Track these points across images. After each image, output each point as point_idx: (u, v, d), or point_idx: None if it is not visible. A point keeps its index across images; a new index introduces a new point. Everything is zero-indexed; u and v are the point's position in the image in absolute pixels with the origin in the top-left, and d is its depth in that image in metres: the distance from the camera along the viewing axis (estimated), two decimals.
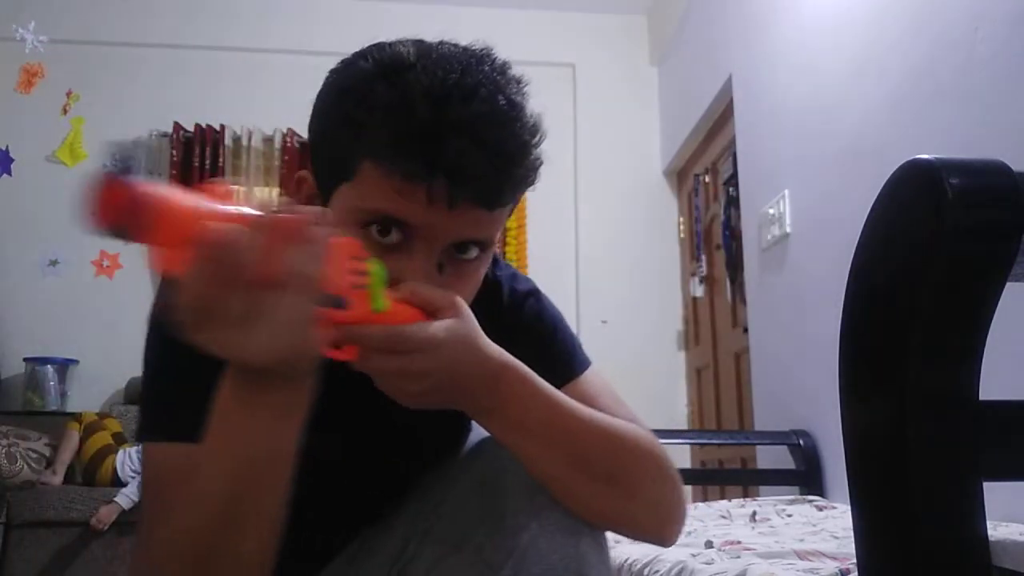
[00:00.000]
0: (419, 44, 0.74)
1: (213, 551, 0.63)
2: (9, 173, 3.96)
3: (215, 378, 0.62)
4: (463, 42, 0.79)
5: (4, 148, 3.98)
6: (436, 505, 0.79)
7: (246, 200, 0.56)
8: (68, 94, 4.04)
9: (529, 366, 0.71)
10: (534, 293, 0.94)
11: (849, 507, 0.58)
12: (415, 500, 0.83)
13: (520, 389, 0.71)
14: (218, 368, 0.61)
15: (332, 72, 0.76)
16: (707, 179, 3.74)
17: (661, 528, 0.78)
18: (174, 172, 3.91)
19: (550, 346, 0.87)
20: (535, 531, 0.70)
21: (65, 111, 4.03)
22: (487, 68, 0.73)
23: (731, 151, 3.28)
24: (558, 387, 0.76)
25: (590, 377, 0.90)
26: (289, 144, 4.01)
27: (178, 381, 0.74)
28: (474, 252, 0.74)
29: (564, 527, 0.71)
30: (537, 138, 0.73)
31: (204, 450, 0.63)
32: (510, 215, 0.80)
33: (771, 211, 2.76)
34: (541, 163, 0.74)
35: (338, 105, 0.72)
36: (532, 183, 0.76)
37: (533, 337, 0.84)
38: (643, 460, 0.77)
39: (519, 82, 0.76)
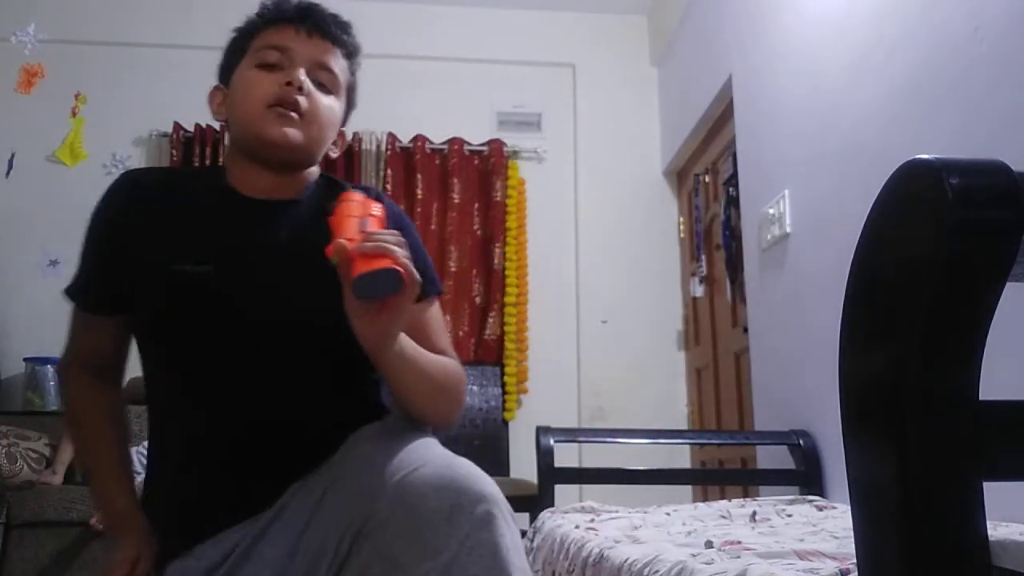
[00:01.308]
0: None
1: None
2: (11, 167, 3.96)
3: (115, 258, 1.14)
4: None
5: (6, 149, 3.98)
6: (371, 503, 0.90)
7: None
8: (77, 96, 4.04)
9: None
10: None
11: (849, 507, 0.58)
12: (342, 505, 0.94)
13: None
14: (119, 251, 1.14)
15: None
16: (707, 179, 3.75)
17: (456, 419, 1.18)
18: None
19: (415, 259, 1.00)
20: (455, 551, 0.82)
21: (75, 113, 4.03)
22: None
23: (731, 151, 3.28)
24: (419, 300, 1.00)
25: (435, 305, 1.19)
26: None
27: (87, 250, 1.22)
28: (328, 82, 1.16)
29: (487, 549, 0.84)
30: (355, 38, 1.24)
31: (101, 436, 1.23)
32: (348, 92, 1.22)
33: (771, 211, 2.76)
34: (358, 48, 1.24)
35: (241, 27, 1.21)
36: (353, 55, 1.23)
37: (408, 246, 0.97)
38: (461, 384, 1.17)
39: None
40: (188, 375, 1.08)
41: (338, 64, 1.18)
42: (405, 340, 1.01)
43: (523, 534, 2.08)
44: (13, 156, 3.96)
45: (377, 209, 1.00)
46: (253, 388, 1.06)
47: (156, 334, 1.11)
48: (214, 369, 1.07)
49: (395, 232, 0.95)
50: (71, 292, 1.20)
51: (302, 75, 1.11)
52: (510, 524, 0.90)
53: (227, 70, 1.18)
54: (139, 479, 2.98)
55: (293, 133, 1.09)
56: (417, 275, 0.93)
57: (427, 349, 1.09)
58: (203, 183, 1.19)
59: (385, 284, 0.89)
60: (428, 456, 0.94)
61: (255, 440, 1.04)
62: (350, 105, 1.23)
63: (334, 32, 1.18)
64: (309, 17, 1.16)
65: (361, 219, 0.96)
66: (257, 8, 1.19)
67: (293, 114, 1.09)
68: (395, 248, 0.90)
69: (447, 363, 1.14)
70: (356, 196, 1.01)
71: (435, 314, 1.19)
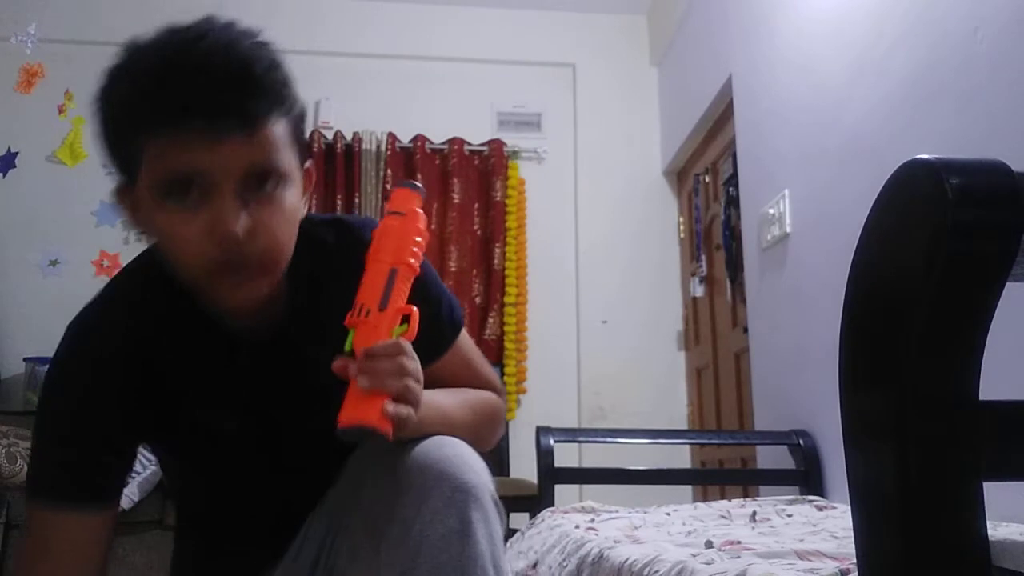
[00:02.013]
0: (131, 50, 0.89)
1: None
2: (14, 166, 3.95)
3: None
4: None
5: (7, 149, 3.98)
6: (354, 498, 0.93)
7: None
8: (65, 94, 4.04)
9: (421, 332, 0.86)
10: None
11: (849, 507, 0.58)
12: (340, 493, 0.98)
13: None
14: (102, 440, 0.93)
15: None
16: (707, 179, 3.75)
17: (494, 443, 1.09)
18: None
19: (437, 316, 1.00)
20: (425, 530, 0.81)
21: (61, 110, 4.03)
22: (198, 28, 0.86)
23: (731, 151, 3.28)
24: (444, 351, 1.02)
25: (462, 338, 1.09)
26: None
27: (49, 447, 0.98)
28: (271, 184, 0.83)
29: (452, 528, 0.82)
30: (263, 58, 0.81)
31: None
32: (298, 144, 0.87)
33: (771, 211, 2.76)
34: (283, 83, 0.84)
35: (104, 99, 0.86)
36: (280, 102, 0.83)
37: (424, 310, 0.88)
38: (496, 415, 1.09)
39: (236, 28, 0.85)
40: (215, 491, 1.04)
41: (276, 149, 0.81)
42: (425, 413, 0.86)
43: (523, 534, 2.08)
44: (14, 153, 3.96)
45: (420, 238, 0.89)
46: (284, 492, 1.01)
47: (177, 471, 1.09)
48: (244, 485, 1.02)
49: (401, 346, 0.80)
50: (41, 490, 0.97)
51: (237, 216, 0.78)
52: (488, 518, 0.85)
53: (121, 168, 0.87)
54: (140, 477, 2.96)
55: (254, 290, 0.84)
56: (413, 415, 0.81)
57: (458, 386, 1.04)
58: (176, 326, 0.93)
59: (371, 434, 0.79)
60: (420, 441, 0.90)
61: (286, 523, 1.01)
62: (302, 145, 0.88)
63: (257, 108, 0.79)
64: (212, 105, 0.76)
65: (391, 271, 0.84)
66: (120, 72, 0.84)
67: (245, 270, 0.82)
68: (391, 384, 0.79)
69: (477, 402, 1.05)
70: (393, 224, 0.88)
71: (461, 351, 1.07)
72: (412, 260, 0.87)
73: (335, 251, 0.96)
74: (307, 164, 0.92)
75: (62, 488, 0.95)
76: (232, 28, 0.83)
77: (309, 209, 0.95)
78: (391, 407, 0.78)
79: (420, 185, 0.93)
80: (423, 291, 0.91)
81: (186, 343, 0.93)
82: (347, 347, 0.82)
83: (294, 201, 0.86)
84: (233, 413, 0.95)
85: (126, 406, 0.92)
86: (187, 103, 0.77)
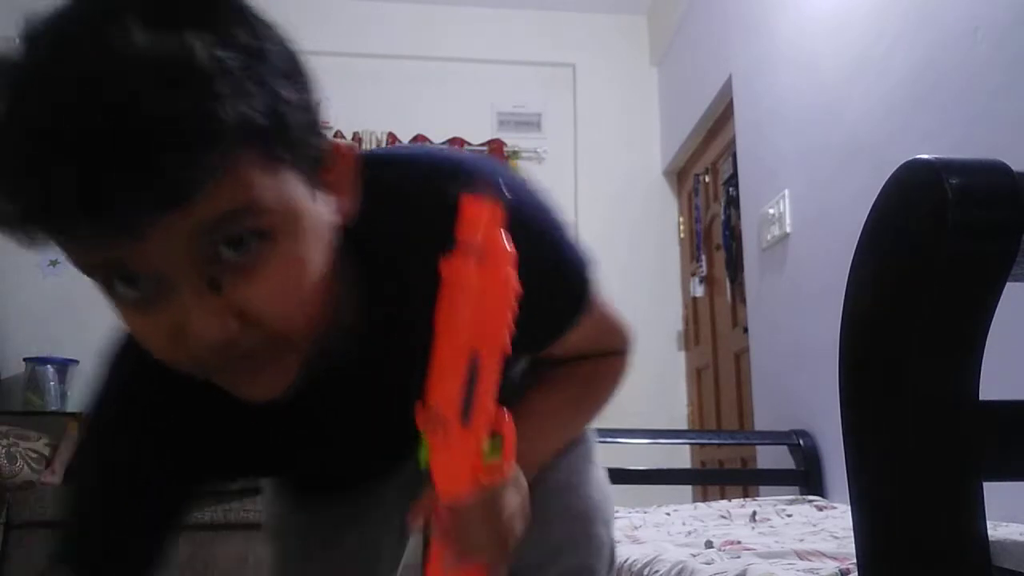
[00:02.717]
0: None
1: None
2: None
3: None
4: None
5: None
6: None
7: None
8: None
9: (523, 314, 0.61)
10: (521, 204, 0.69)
11: (849, 507, 0.58)
12: None
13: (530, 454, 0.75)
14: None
15: None
16: (707, 179, 3.75)
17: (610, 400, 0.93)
18: None
19: (557, 293, 0.74)
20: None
21: None
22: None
23: (731, 151, 3.28)
24: (567, 332, 0.78)
25: (583, 320, 0.80)
26: None
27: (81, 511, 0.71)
28: (253, 243, 0.52)
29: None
30: (194, 51, 0.46)
31: None
32: (296, 148, 0.54)
33: (771, 211, 2.76)
34: (242, 83, 0.47)
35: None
36: (244, 119, 0.47)
37: (531, 282, 0.62)
38: (610, 390, 0.97)
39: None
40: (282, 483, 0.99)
41: (250, 189, 0.50)
42: (524, 462, 0.70)
43: None
44: None
45: (511, 293, 0.60)
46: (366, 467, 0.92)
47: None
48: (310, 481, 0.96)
49: (498, 501, 0.64)
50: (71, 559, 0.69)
51: (210, 315, 0.52)
52: None
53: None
54: None
55: (277, 379, 0.59)
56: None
57: (575, 356, 0.90)
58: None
59: None
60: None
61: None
62: (316, 151, 0.57)
63: (196, 157, 0.46)
64: (107, 184, 0.45)
65: (471, 359, 0.59)
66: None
67: (252, 360, 0.56)
68: (490, 554, 0.65)
69: (583, 391, 0.93)
70: (469, 271, 0.59)
71: (589, 319, 0.82)
72: (502, 335, 0.60)
73: (417, 210, 0.67)
74: (329, 147, 0.59)
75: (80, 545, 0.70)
76: (127, 11, 0.46)
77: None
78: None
79: (501, 181, 0.65)
80: (534, 259, 0.63)
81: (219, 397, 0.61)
82: (421, 462, 0.61)
83: (305, 241, 0.55)
84: (303, 449, 0.78)
85: (182, 448, 0.71)
86: (62, 195, 0.45)
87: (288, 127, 0.52)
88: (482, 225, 0.59)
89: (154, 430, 0.70)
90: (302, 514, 1.00)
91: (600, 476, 0.97)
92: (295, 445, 0.76)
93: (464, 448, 0.60)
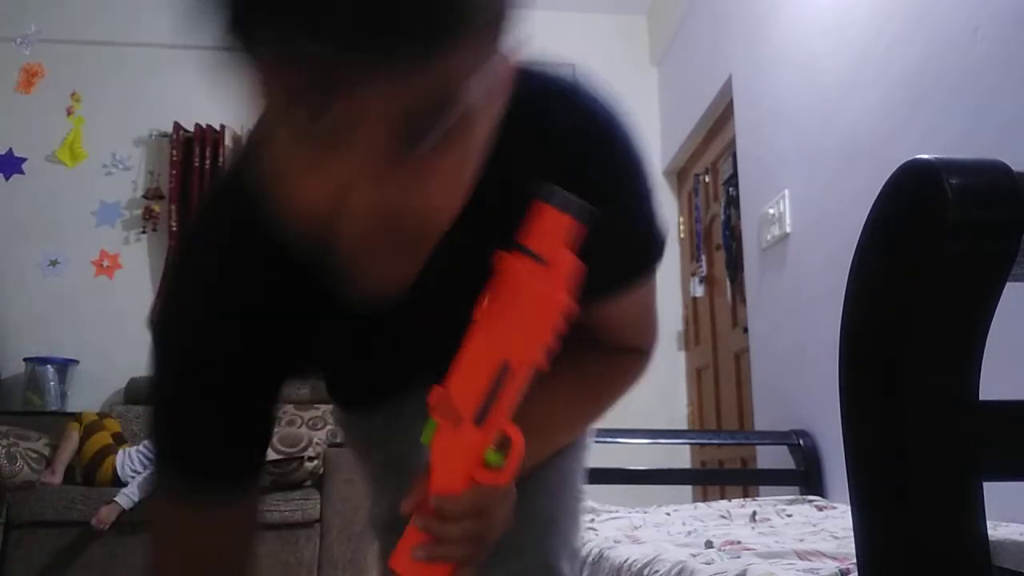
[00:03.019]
0: None
1: None
2: (22, 172, 3.96)
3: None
4: None
5: (8, 150, 3.98)
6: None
7: None
8: (72, 95, 4.04)
9: (589, 255, 0.59)
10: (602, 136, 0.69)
11: (849, 507, 0.58)
12: None
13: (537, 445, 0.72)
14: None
15: None
16: (707, 179, 3.75)
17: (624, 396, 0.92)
18: (174, 172, 3.91)
19: (631, 241, 0.70)
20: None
21: (70, 112, 4.03)
22: None
23: (731, 151, 3.28)
24: (621, 291, 0.76)
25: (638, 286, 0.78)
26: None
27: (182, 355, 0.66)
28: (438, 137, 0.48)
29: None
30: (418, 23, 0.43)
31: None
32: (490, 50, 0.49)
33: (771, 211, 2.76)
34: (436, 51, 0.44)
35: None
36: (475, 30, 0.45)
37: (608, 225, 0.61)
38: (618, 395, 0.91)
39: None
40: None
41: (459, 80, 0.47)
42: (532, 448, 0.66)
43: None
44: (21, 159, 3.96)
45: (562, 312, 0.59)
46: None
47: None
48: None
49: (483, 507, 0.63)
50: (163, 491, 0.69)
51: (374, 183, 0.48)
52: None
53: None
54: (141, 477, 2.96)
55: (392, 276, 0.55)
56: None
57: (607, 336, 0.87)
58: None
59: None
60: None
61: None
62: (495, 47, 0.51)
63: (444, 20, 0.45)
64: (342, 24, 0.44)
65: (502, 367, 0.59)
66: None
67: (377, 253, 0.52)
68: (458, 554, 0.63)
69: (597, 388, 0.89)
70: (525, 279, 0.58)
71: (638, 295, 0.81)
72: (539, 353, 0.59)
73: (545, 139, 0.65)
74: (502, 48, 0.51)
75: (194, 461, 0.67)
76: None
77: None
78: None
79: (576, 202, 0.58)
80: (619, 203, 0.65)
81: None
82: (424, 439, 0.62)
83: (480, 140, 0.52)
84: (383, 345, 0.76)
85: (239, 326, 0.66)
86: (319, 18, 0.42)
87: (504, 24, 0.49)
88: (552, 238, 0.58)
89: (242, 296, 0.65)
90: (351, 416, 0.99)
91: (581, 479, 0.94)
92: (358, 339, 0.74)
93: (470, 446, 0.60)
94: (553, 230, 0.58)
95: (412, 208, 0.49)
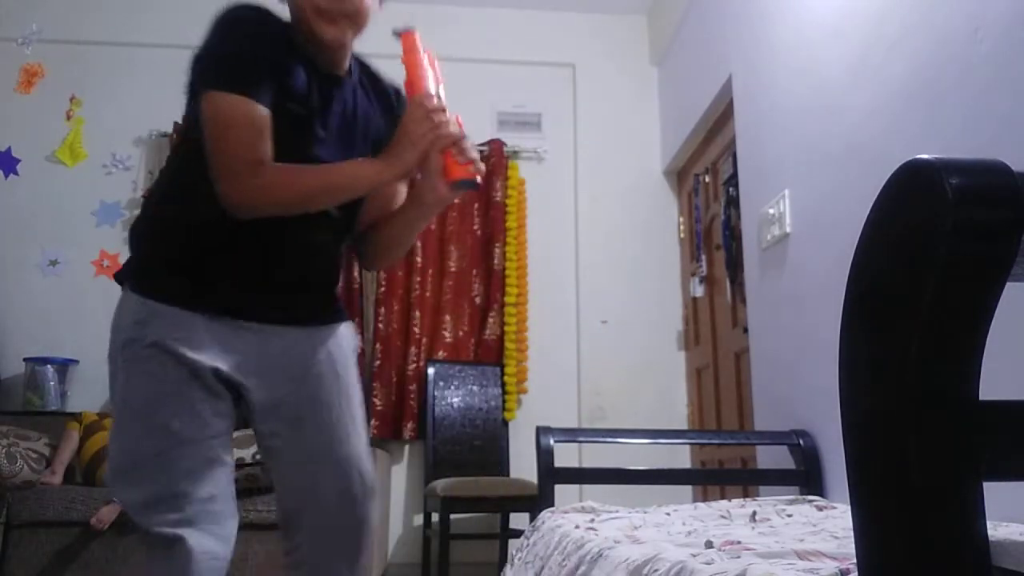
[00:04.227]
0: None
1: (297, 202, 1.29)
2: (16, 173, 3.96)
3: (266, 60, 1.27)
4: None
5: (7, 149, 3.98)
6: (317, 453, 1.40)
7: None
8: (71, 99, 4.04)
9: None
10: None
11: (849, 507, 0.58)
12: (314, 412, 1.40)
13: None
14: (268, 53, 1.29)
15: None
16: (707, 179, 3.75)
17: None
18: None
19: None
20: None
21: (69, 116, 4.03)
22: None
23: (731, 151, 3.28)
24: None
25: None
26: None
27: (250, 58, 1.26)
28: None
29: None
30: None
31: (328, 170, 1.31)
32: None
33: (771, 211, 2.76)
34: None
35: None
36: None
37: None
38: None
39: None
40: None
41: None
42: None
43: (522, 534, 2.08)
44: (16, 159, 3.96)
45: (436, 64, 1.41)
46: (315, 231, 1.38)
47: None
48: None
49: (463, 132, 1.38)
50: (242, 86, 1.23)
51: None
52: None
53: None
54: None
55: (340, 33, 1.31)
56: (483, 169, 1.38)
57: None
58: (292, 47, 1.34)
59: (470, 184, 1.35)
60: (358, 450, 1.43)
61: (297, 254, 1.36)
62: None
63: None
64: None
65: (436, 79, 1.40)
66: None
67: (338, 18, 1.29)
68: (476, 157, 1.36)
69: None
70: (419, 46, 1.42)
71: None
72: (437, 67, 1.46)
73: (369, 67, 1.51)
74: None
75: (261, 84, 1.25)
76: None
77: None
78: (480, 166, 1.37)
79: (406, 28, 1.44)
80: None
81: (297, 53, 1.33)
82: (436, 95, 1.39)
83: None
84: (307, 106, 1.32)
85: (275, 51, 1.30)
86: None
87: None
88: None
89: (271, 38, 1.31)
90: None
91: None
92: (309, 100, 1.33)
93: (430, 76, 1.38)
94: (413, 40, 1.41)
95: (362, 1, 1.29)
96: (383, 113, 1.46)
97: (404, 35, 1.41)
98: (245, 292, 1.32)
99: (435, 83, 1.37)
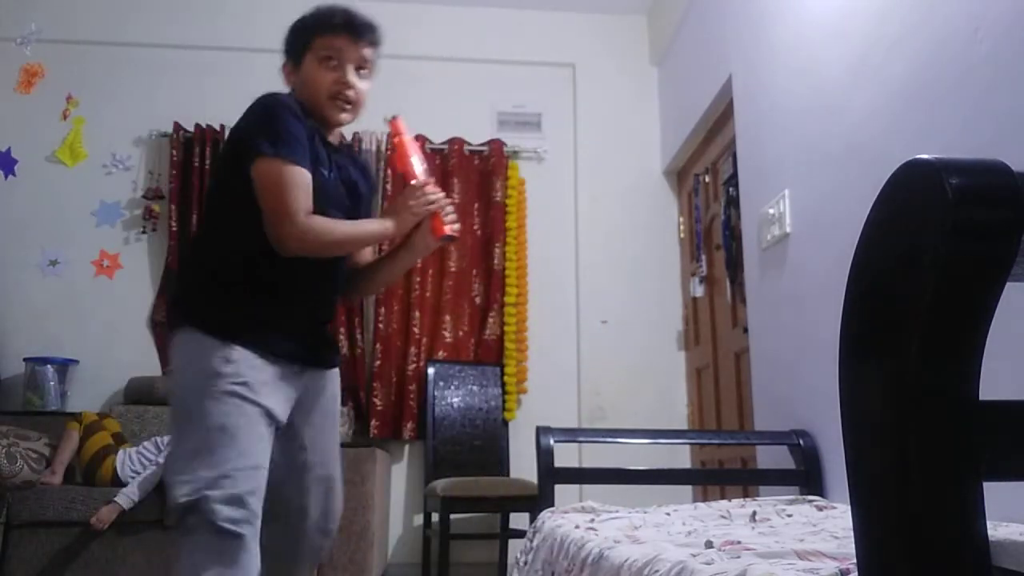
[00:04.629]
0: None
1: (332, 246, 1.68)
2: (13, 174, 3.96)
3: (305, 143, 1.63)
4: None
5: (7, 149, 3.98)
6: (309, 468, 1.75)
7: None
8: (68, 99, 4.04)
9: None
10: None
11: (849, 507, 0.58)
12: (315, 438, 1.76)
13: None
14: (305, 136, 1.64)
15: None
16: (707, 179, 3.75)
17: None
18: (174, 172, 3.91)
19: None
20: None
21: (65, 116, 4.03)
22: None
23: (731, 151, 3.28)
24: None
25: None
26: None
27: (297, 136, 1.61)
28: (366, 71, 1.76)
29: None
30: (379, 31, 1.77)
31: (354, 225, 1.72)
32: (373, 66, 1.78)
33: (771, 211, 2.76)
34: (381, 44, 1.78)
35: (300, 23, 1.76)
36: (380, 44, 1.78)
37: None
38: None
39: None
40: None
41: (372, 57, 1.76)
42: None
43: (523, 534, 2.07)
44: (14, 160, 3.96)
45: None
46: (336, 267, 1.77)
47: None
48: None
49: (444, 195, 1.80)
50: (295, 156, 1.59)
51: (351, 74, 1.72)
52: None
53: (293, 55, 1.76)
54: (141, 477, 2.98)
55: (346, 117, 1.75)
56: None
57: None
58: (310, 125, 1.70)
59: (451, 239, 1.77)
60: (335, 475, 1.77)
61: (322, 301, 1.78)
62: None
63: (370, 36, 1.74)
64: (355, 28, 1.72)
65: (420, 159, 1.85)
66: (313, 13, 1.74)
67: (347, 104, 1.73)
68: (455, 217, 1.78)
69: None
70: (405, 131, 1.89)
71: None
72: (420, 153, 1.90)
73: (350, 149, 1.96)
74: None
75: (306, 154, 1.62)
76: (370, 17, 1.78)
77: None
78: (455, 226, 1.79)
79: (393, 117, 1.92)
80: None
81: (312, 131, 1.69)
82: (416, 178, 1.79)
83: (369, 86, 1.78)
84: (329, 172, 1.72)
85: (307, 130, 1.65)
86: (345, 22, 1.71)
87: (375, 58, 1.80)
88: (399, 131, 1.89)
89: (303, 120, 1.66)
90: None
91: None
92: (325, 179, 1.70)
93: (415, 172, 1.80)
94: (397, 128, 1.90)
95: (358, 89, 1.74)
96: (364, 178, 1.87)
97: (392, 121, 1.89)
98: (293, 337, 1.66)
99: (421, 161, 1.83)
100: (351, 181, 1.80)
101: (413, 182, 1.75)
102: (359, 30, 1.71)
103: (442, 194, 1.77)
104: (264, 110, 1.62)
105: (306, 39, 1.72)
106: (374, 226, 1.73)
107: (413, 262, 1.87)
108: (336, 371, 1.81)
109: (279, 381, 1.61)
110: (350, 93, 1.70)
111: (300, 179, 1.58)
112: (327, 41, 1.70)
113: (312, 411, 1.72)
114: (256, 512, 1.49)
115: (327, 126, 1.74)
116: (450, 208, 1.77)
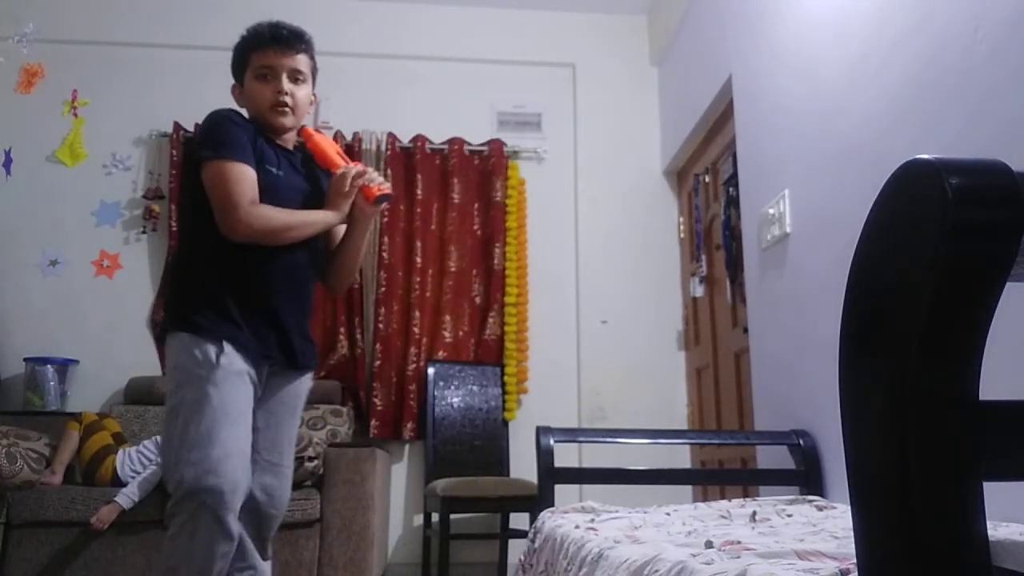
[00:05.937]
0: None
1: (279, 231, 1.85)
2: (10, 173, 3.96)
3: (247, 143, 1.87)
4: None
5: (7, 149, 3.98)
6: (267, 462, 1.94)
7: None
8: (71, 99, 4.04)
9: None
10: None
11: (849, 507, 0.58)
12: (275, 429, 1.96)
13: None
14: (246, 139, 1.89)
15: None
16: (707, 179, 3.75)
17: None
18: (174, 172, 3.91)
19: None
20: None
21: (75, 113, 4.03)
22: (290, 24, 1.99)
23: (731, 151, 3.28)
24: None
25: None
26: None
27: (236, 139, 1.83)
28: (301, 77, 1.95)
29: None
30: (309, 39, 1.99)
31: (297, 213, 1.89)
32: (312, 74, 2.01)
33: (771, 211, 2.76)
34: (313, 44, 2.00)
35: (237, 45, 1.97)
36: (311, 51, 1.99)
37: None
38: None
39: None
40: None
41: (304, 64, 1.96)
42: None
43: (523, 534, 2.07)
44: (9, 150, 3.96)
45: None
46: (296, 259, 1.93)
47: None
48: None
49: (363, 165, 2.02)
50: (234, 155, 1.81)
51: (285, 83, 1.92)
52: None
53: (237, 74, 1.98)
54: (141, 477, 2.99)
55: (288, 121, 1.95)
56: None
57: None
58: (259, 133, 1.92)
59: (385, 198, 2.00)
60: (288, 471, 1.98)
61: (293, 299, 1.92)
62: (315, 77, 2.03)
63: (297, 45, 1.94)
64: (282, 41, 1.92)
65: (336, 151, 2.04)
66: (246, 33, 1.95)
67: (286, 109, 1.93)
68: (381, 179, 2.01)
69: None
70: (316, 133, 2.06)
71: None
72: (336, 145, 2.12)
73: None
74: (314, 88, 2.03)
75: (247, 153, 1.83)
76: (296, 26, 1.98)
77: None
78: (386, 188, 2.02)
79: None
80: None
81: (261, 139, 1.91)
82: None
83: (309, 92, 2.00)
84: (278, 170, 1.90)
85: (251, 135, 1.88)
86: (272, 36, 1.90)
87: (315, 67, 2.04)
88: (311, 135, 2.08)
89: (247, 128, 1.89)
90: None
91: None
92: (274, 177, 1.90)
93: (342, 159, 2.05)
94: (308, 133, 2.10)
95: (294, 96, 1.95)
96: (327, 175, 2.04)
97: (302, 130, 2.04)
98: (267, 336, 1.86)
99: (336, 152, 2.03)
100: (314, 177, 2.01)
101: (336, 172, 1.96)
102: (286, 42, 1.91)
103: (361, 168, 1.97)
104: (208, 123, 1.87)
105: (243, 59, 1.94)
106: (317, 215, 1.92)
107: (364, 233, 2.04)
108: (308, 374, 2.00)
109: (249, 373, 1.81)
110: (287, 99, 1.91)
111: (241, 174, 1.80)
112: (259, 58, 1.91)
113: (271, 399, 1.91)
114: (242, 492, 1.72)
115: (275, 132, 1.94)
116: (373, 175, 1.97)
